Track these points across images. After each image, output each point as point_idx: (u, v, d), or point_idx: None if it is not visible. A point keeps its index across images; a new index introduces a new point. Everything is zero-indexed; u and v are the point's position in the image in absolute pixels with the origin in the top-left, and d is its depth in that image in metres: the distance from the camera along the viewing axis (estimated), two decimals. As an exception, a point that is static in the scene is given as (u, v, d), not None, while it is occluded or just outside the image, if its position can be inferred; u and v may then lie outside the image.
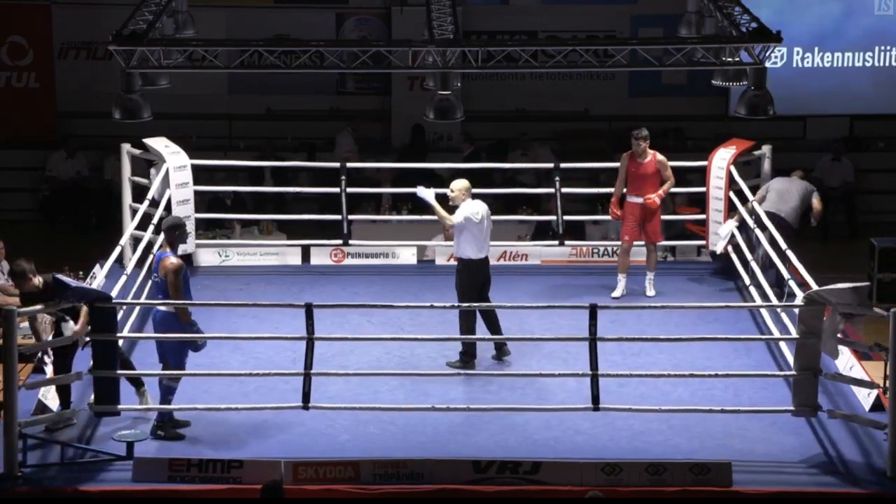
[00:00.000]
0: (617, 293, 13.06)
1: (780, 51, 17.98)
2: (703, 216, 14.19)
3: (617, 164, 15.07)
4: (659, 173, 13.11)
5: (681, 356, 11.66)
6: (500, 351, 11.77)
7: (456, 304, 11.24)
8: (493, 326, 11.67)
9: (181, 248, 13.55)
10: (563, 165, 14.34)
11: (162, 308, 10.43)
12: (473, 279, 11.66)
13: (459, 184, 11.79)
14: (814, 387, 10.28)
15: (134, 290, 12.29)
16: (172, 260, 10.45)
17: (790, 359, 10.90)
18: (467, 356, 11.59)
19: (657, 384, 11.15)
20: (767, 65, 11.78)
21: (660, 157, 13.14)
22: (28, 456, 9.95)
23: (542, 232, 15.33)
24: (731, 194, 13.76)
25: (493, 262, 14.19)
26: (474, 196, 11.81)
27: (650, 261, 13.25)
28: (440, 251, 14.51)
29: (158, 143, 13.99)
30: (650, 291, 13.15)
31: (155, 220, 13.20)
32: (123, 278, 11.99)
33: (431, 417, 10.61)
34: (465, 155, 17.79)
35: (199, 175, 14.78)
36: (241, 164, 16.08)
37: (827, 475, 9.98)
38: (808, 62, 19.05)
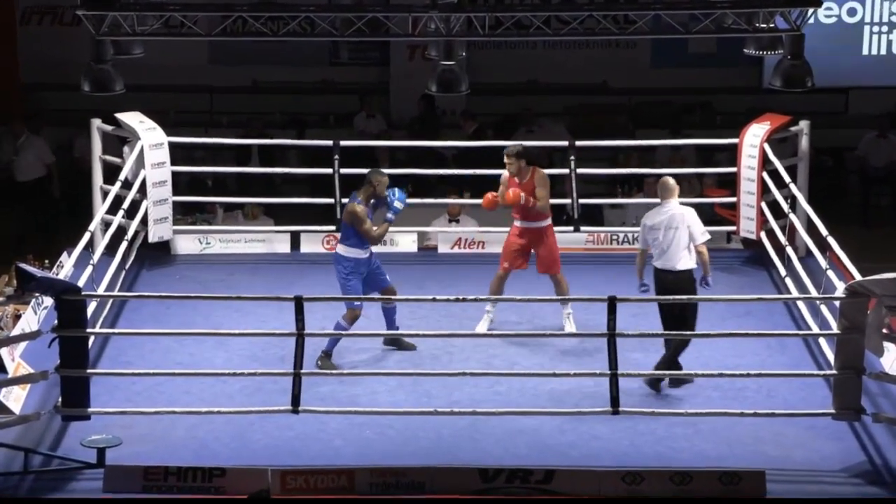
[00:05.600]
0: (481, 327, 12.26)
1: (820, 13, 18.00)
2: (733, 199, 14.17)
3: (639, 142, 15.17)
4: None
5: (709, 354, 11.65)
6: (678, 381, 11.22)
7: (462, 298, 11.22)
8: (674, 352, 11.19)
9: (158, 235, 13.72)
10: (578, 144, 14.31)
11: (339, 249, 11.68)
12: (658, 289, 11.31)
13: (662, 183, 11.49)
14: (857, 387, 10.27)
15: (105, 280, 12.28)
16: (354, 206, 11.58)
17: (830, 357, 10.90)
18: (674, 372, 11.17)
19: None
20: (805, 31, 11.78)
21: (540, 172, 12.28)
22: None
23: (555, 217, 15.29)
24: (765, 175, 13.74)
25: (499, 249, 14.24)
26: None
27: (560, 293, 12.31)
28: (443, 238, 14.50)
29: (132, 119, 13.98)
30: (569, 327, 12.24)
31: (126, 204, 13.19)
32: (91, 267, 11.97)
33: (434, 421, 10.61)
34: (469, 132, 17.77)
35: (178, 154, 14.77)
36: (224, 141, 16.06)
37: (871, 485, 9.98)
38: (850, 27, 19.05)
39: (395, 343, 11.92)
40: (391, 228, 12.01)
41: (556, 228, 14.08)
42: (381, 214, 11.86)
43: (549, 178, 12.37)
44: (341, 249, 11.75)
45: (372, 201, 11.78)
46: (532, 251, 12.44)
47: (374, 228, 11.70)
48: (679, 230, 11.28)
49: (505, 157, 12.29)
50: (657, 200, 11.60)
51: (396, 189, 11.85)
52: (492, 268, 13.68)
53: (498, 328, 12.20)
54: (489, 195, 12.40)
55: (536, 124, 18.26)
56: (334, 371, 11.36)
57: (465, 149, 16.43)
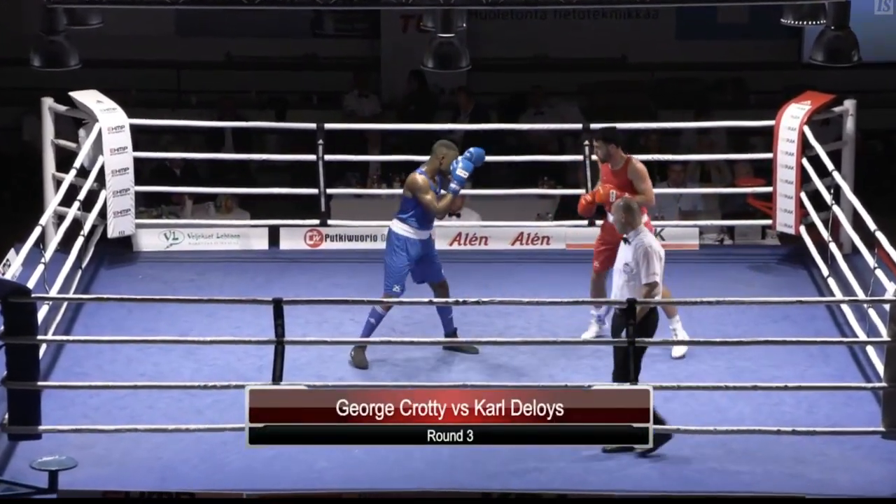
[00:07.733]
0: (588, 334, 12.24)
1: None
2: (769, 189, 14.16)
3: (662, 124, 15.11)
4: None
5: (742, 364, 11.65)
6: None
7: (460, 300, 11.20)
8: None
9: (118, 230, 13.69)
10: (593, 126, 14.28)
11: (395, 226, 11.86)
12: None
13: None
14: (909, 402, 10.28)
15: (59, 281, 12.25)
16: (415, 175, 11.81)
17: (879, 367, 10.88)
18: None
19: (712, 398, 11.15)
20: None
21: (636, 165, 12.11)
22: (-75, 488, 9.97)
23: (567, 209, 15.30)
24: (805, 162, 13.72)
25: (505, 246, 14.29)
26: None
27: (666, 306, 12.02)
28: (440, 233, 14.46)
29: (89, 98, 13.96)
30: (681, 341, 11.89)
31: (83, 195, 13.16)
32: (42, 266, 11.95)
33: (430, 440, 10.61)
34: (468, 114, 17.75)
35: (141, 138, 14.75)
36: (194, 124, 16.05)
37: (925, 512, 10.00)
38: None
39: (454, 346, 11.96)
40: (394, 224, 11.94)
41: (566, 222, 14.08)
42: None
43: (645, 168, 12.16)
44: (394, 225, 11.94)
45: (437, 178, 11.91)
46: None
47: (437, 201, 11.83)
48: None
49: (593, 141, 12.28)
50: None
51: (461, 158, 11.88)
52: (494, 266, 13.73)
53: (503, 334, 12.17)
54: (584, 199, 12.21)
55: (546, 104, 18.26)
56: (309, 383, 11.09)
57: (468, 133, 16.41)
